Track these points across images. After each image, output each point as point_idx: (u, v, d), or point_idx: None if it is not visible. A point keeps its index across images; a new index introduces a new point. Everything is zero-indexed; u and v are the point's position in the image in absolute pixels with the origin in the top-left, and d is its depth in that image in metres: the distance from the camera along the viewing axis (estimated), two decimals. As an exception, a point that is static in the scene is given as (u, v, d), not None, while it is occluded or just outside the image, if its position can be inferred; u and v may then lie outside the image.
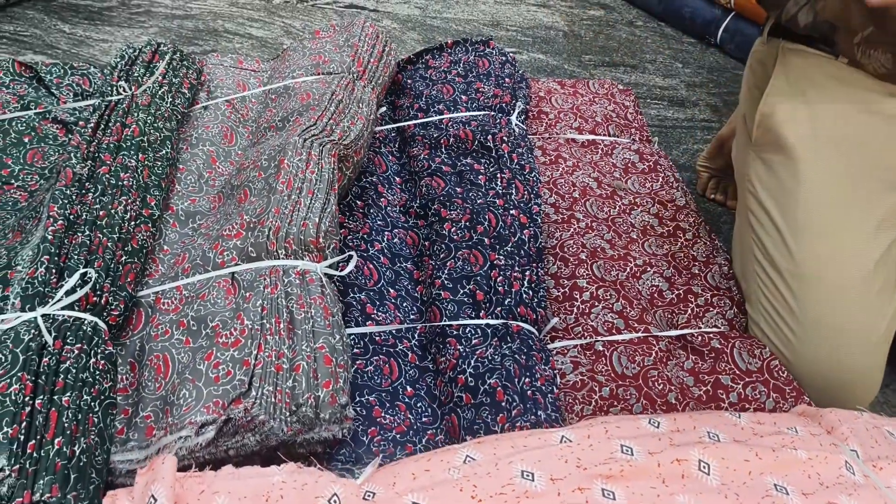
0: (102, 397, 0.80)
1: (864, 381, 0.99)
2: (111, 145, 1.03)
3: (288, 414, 0.78)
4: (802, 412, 0.81)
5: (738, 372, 0.99)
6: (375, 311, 0.99)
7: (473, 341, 0.92)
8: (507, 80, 1.33)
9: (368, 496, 0.63)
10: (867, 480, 0.69)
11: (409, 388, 0.92)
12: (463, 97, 1.30)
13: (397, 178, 1.22)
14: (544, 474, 0.64)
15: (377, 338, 0.96)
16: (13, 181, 1.10)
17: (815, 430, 0.74)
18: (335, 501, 0.58)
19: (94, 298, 0.86)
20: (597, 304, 1.06)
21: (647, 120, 1.66)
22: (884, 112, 0.98)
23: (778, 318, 1.01)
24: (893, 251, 0.99)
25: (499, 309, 0.95)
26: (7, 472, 0.69)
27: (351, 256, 0.97)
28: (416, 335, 0.98)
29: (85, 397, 0.77)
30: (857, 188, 0.98)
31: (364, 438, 0.86)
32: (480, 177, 1.13)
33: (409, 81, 1.39)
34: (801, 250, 0.99)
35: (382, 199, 1.16)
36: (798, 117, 1.02)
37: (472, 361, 0.89)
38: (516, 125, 1.25)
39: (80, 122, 1.10)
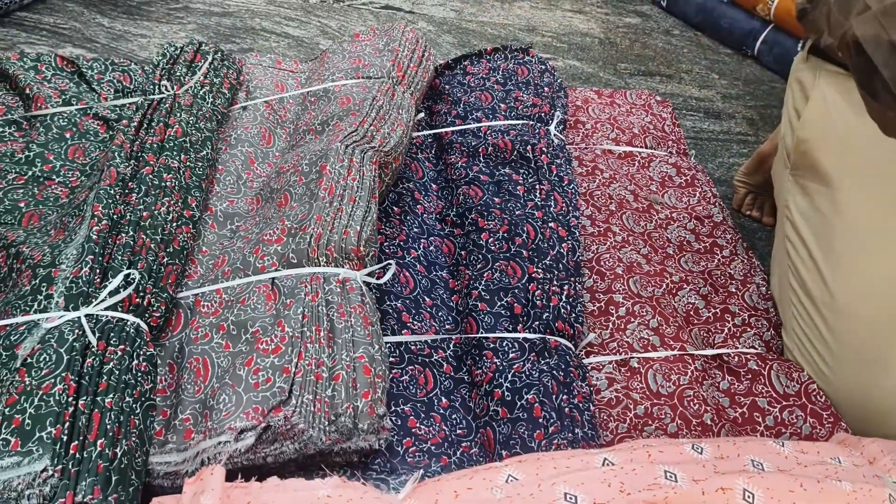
0: (143, 399, 0.80)
1: None
2: (154, 145, 1.04)
3: (327, 423, 0.78)
4: (843, 441, 0.81)
5: (775, 395, 0.98)
6: (411, 320, 0.99)
7: (511, 355, 0.92)
8: (546, 89, 1.33)
9: (411, 513, 0.63)
10: (913, 516, 0.68)
11: (444, 400, 0.92)
12: (502, 105, 1.30)
13: (434, 185, 1.22)
14: (587, 497, 0.63)
15: (413, 347, 0.96)
16: (54, 177, 1.11)
17: (857, 460, 0.74)
18: (381, 518, 0.58)
19: (137, 300, 0.86)
20: (632, 319, 1.06)
21: (682, 132, 1.65)
22: None
23: (812, 348, 1.00)
24: None
25: (536, 323, 0.95)
26: (50, 472, 0.70)
27: (390, 265, 0.97)
28: (451, 345, 0.98)
29: (127, 399, 0.78)
30: (894, 218, 0.96)
31: (399, 449, 0.86)
32: (519, 187, 1.13)
33: (446, 87, 1.39)
34: (836, 281, 0.98)
35: (419, 206, 1.16)
36: (834, 144, 1.01)
37: (509, 375, 0.89)
38: (555, 135, 1.24)
39: (123, 121, 1.10)
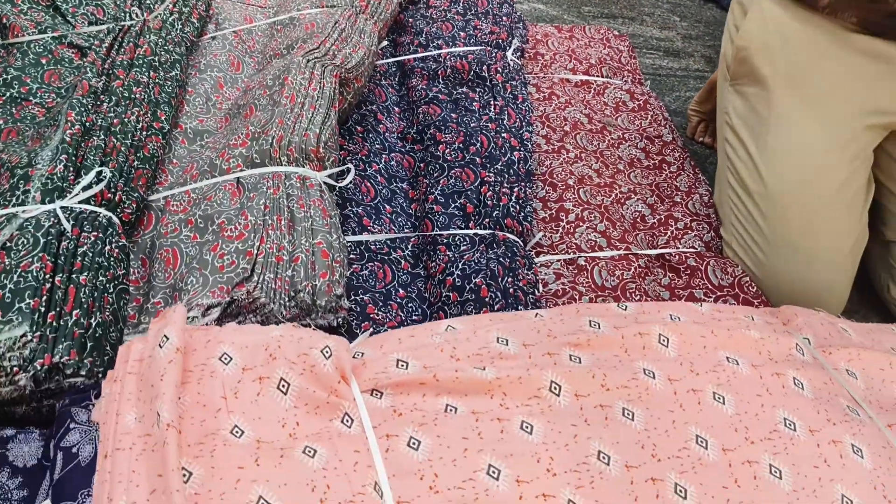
0: (116, 282, 0.86)
1: (830, 297, 1.06)
2: (124, 62, 1.09)
3: (287, 299, 0.85)
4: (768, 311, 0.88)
5: (710, 286, 1.05)
6: (371, 224, 1.05)
7: (462, 248, 0.98)
8: (504, 18, 1.38)
9: (358, 355, 0.69)
10: (815, 361, 0.75)
11: (401, 291, 0.98)
12: (461, 33, 1.35)
13: (396, 108, 1.27)
14: (517, 340, 0.70)
15: (372, 246, 1.02)
16: (31, 98, 1.16)
17: (770, 319, 0.81)
18: (327, 352, 0.64)
19: (109, 195, 0.92)
20: (581, 224, 1.12)
21: (641, 68, 1.71)
22: (854, 45, 1.03)
23: (749, 238, 1.07)
24: (861, 172, 1.04)
25: (487, 220, 1.02)
26: (29, 338, 0.76)
27: (349, 169, 1.03)
28: (409, 246, 1.04)
29: (100, 278, 0.84)
30: (826, 114, 1.03)
31: (358, 332, 0.92)
32: (475, 104, 1.19)
33: (410, 20, 1.44)
34: (770, 173, 1.05)
35: (381, 126, 1.21)
36: (770, 50, 1.08)
37: (460, 264, 0.95)
38: (511, 60, 1.30)
39: (95, 42, 1.15)
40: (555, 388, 0.66)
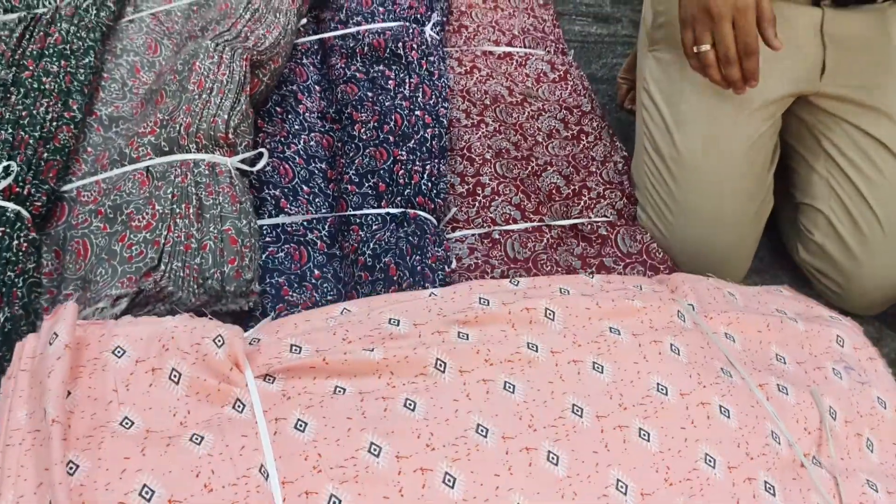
0: (26, 276, 0.88)
1: (735, 260, 1.10)
2: (34, 52, 1.09)
3: (196, 287, 0.87)
4: (658, 279, 0.92)
5: (619, 254, 1.09)
6: (289, 206, 1.07)
7: (374, 227, 1.01)
8: (423, -8, 1.39)
9: (254, 342, 0.72)
10: (695, 327, 0.80)
11: (316, 272, 1.01)
12: (380, 9, 1.36)
13: (317, 87, 1.28)
14: (408, 321, 0.73)
15: (289, 228, 1.04)
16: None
17: (658, 288, 0.85)
18: (219, 341, 0.67)
19: (17, 189, 0.93)
20: (497, 198, 1.15)
21: (570, 36, 1.73)
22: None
23: (661, 202, 1.11)
24: (768, 138, 1.08)
25: (398, 198, 1.04)
26: (-64, 336, 0.77)
27: (262, 153, 1.04)
28: (326, 227, 1.06)
29: (9, 274, 0.85)
30: None
31: (272, 314, 0.95)
32: (390, 82, 1.20)
33: (331, -4, 1.44)
34: (683, 139, 1.09)
35: (301, 106, 1.22)
36: None
37: (371, 244, 0.98)
38: (430, 35, 1.31)
39: (4, 32, 1.14)
40: (440, 366, 0.69)
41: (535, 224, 1.12)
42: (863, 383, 0.79)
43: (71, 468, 0.56)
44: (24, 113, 1.00)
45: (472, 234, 1.09)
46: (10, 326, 0.82)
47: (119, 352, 0.65)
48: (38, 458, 0.56)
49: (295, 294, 0.97)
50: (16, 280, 0.85)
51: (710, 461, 0.67)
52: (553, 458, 0.64)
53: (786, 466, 0.69)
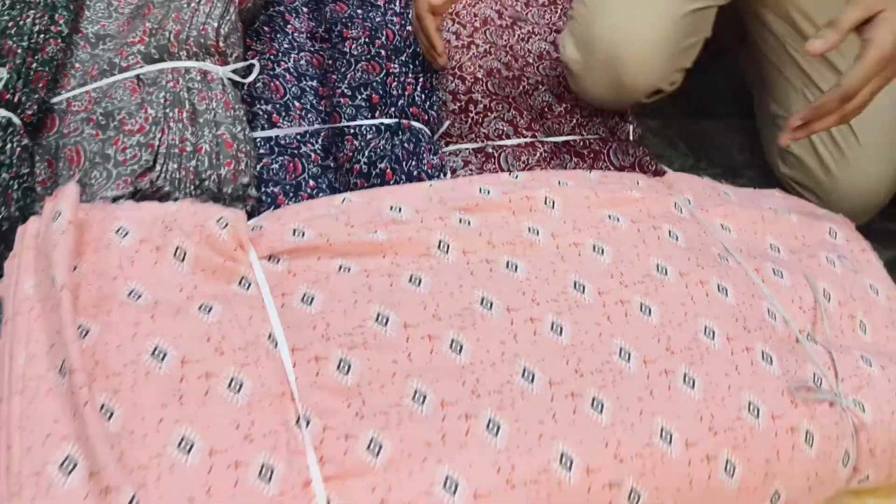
0: (21, 180, 0.87)
1: (635, 94, 1.10)
2: (16, -35, 1.06)
3: (192, 188, 0.86)
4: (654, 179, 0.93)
5: (612, 168, 1.10)
6: (281, 121, 1.07)
7: (368, 137, 1.00)
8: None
9: (256, 229, 0.72)
10: (692, 217, 0.81)
11: (311, 182, 1.01)
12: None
13: (305, 9, 1.27)
14: (410, 207, 0.74)
15: (282, 141, 1.04)
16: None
17: (654, 183, 0.86)
18: (223, 222, 0.67)
19: (8, 96, 0.91)
20: (489, 114, 1.15)
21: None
22: None
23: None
24: None
25: (392, 109, 1.04)
26: (-68, 233, 0.77)
27: (253, 65, 1.03)
28: (319, 141, 1.06)
29: (4, 175, 0.84)
30: None
31: (272, 208, 0.95)
32: (380, 0, 1.20)
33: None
34: None
35: (289, 27, 1.21)
36: None
37: (366, 152, 0.98)
38: (419, -44, 1.30)
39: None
40: (443, 247, 0.70)
41: (528, 140, 1.12)
42: (855, 272, 0.81)
43: (82, 332, 0.56)
44: (10, 23, 0.98)
45: (466, 149, 1.09)
46: (6, 226, 0.81)
47: (122, 232, 0.65)
48: (49, 323, 0.56)
49: (290, 203, 0.97)
50: (10, 182, 0.85)
51: (709, 333, 0.68)
52: (557, 329, 0.65)
53: (782, 340, 0.71)
